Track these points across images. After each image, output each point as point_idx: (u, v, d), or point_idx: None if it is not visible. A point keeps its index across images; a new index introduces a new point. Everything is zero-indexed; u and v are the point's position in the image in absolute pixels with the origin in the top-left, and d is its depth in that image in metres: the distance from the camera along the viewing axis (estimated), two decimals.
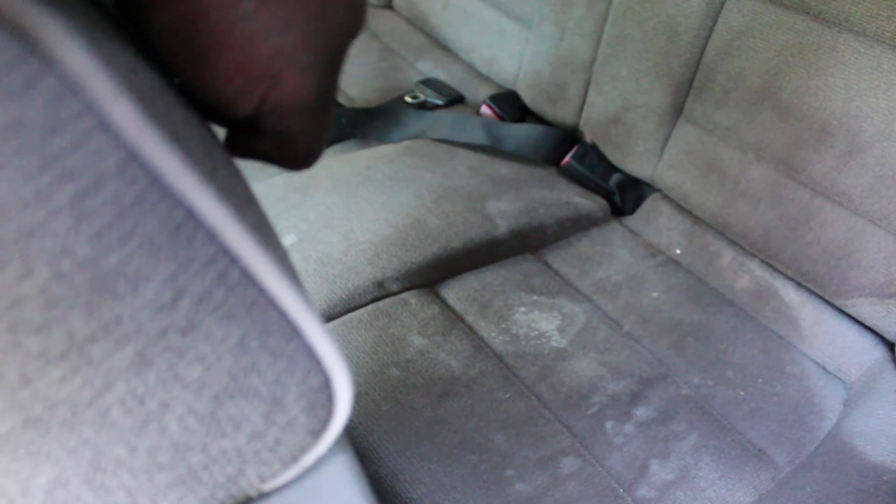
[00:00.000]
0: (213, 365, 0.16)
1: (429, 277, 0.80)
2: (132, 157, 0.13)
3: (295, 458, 0.19)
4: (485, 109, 1.09)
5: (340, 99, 1.14)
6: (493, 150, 1.01)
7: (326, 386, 0.18)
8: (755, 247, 0.83)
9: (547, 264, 0.86)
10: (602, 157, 0.99)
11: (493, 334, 0.74)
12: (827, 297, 0.78)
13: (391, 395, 0.65)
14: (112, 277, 0.13)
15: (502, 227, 0.86)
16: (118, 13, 0.18)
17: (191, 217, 0.14)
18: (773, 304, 0.81)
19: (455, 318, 0.75)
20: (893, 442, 0.66)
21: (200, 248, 0.14)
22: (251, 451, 0.18)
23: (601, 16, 0.93)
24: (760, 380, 0.73)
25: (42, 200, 0.12)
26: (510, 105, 1.10)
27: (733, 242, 0.86)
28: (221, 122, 0.22)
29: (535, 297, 0.80)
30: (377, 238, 0.80)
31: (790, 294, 0.81)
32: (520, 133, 1.02)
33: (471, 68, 1.19)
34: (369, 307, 0.74)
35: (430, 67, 1.22)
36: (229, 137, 0.23)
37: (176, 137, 0.14)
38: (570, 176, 0.99)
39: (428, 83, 1.16)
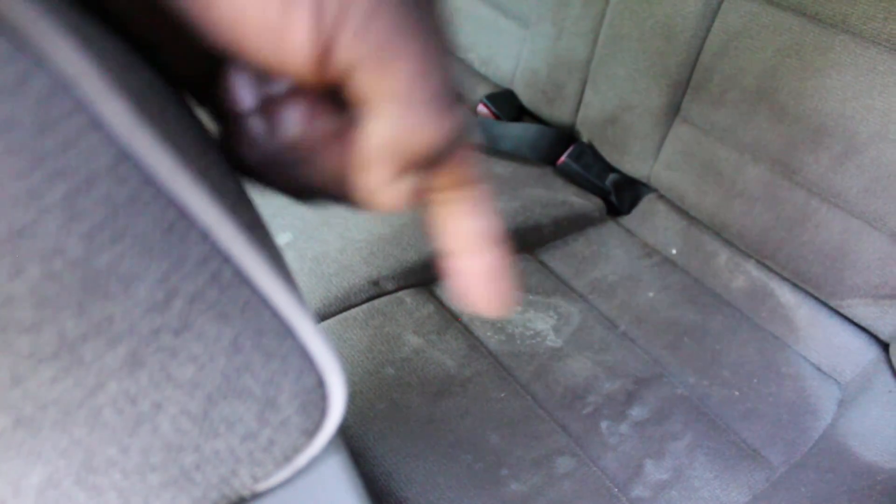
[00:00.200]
0: (206, 365, 0.16)
1: (424, 276, 0.80)
2: (124, 156, 0.13)
3: (288, 459, 0.19)
4: (481, 108, 1.09)
5: None
6: (490, 149, 1.01)
7: (320, 386, 0.18)
8: (751, 247, 0.83)
9: (543, 264, 0.86)
10: (598, 157, 0.99)
11: (488, 334, 0.74)
12: (822, 298, 0.78)
13: (386, 394, 0.65)
14: (104, 277, 0.13)
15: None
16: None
17: (183, 216, 0.14)
18: (769, 305, 0.81)
19: (450, 318, 0.75)
20: (887, 442, 0.67)
21: (193, 248, 0.14)
22: (244, 452, 0.18)
23: (598, 15, 0.93)
24: (755, 380, 0.73)
25: (33, 199, 0.11)
26: (507, 104, 1.09)
27: (729, 243, 0.86)
28: (213, 113, 0.22)
29: (530, 297, 0.80)
30: (373, 237, 0.80)
31: (786, 294, 0.81)
32: (516, 132, 1.02)
33: (467, 67, 1.19)
34: (365, 306, 0.74)
35: None
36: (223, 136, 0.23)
37: (169, 136, 0.14)
38: (567, 175, 0.99)
39: None
